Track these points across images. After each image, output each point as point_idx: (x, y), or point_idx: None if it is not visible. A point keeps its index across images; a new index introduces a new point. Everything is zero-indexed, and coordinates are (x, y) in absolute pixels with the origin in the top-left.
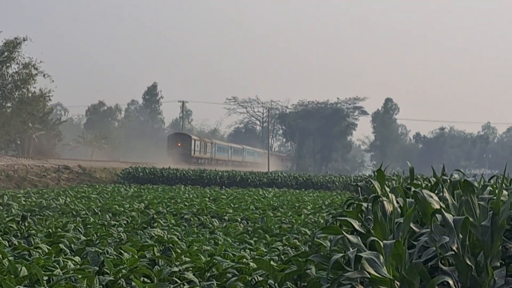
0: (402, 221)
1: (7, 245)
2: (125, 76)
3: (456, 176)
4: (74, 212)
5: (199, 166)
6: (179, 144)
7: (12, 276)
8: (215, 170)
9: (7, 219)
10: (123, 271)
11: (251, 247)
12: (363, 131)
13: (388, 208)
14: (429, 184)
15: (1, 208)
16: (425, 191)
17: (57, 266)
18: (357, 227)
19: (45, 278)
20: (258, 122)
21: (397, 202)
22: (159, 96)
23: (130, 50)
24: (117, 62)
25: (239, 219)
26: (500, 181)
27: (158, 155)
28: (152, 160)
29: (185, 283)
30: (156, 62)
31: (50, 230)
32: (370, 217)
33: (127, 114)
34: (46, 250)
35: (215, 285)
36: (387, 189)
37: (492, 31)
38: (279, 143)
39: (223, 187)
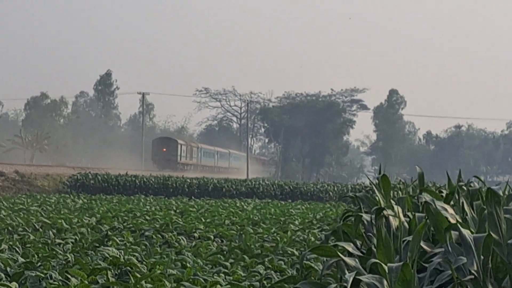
0: (410, 239)
1: None
2: (73, 62)
3: (475, 183)
4: (10, 228)
5: (184, 173)
6: (164, 150)
7: None
8: (182, 177)
9: None
10: None
11: (226, 270)
12: (362, 130)
13: (394, 223)
14: (443, 194)
15: None
16: (438, 202)
17: None
18: (352, 250)
19: None
20: (234, 119)
21: (405, 216)
22: (114, 87)
23: (80, 31)
24: (63, 46)
25: (212, 237)
26: None
27: (113, 159)
28: (106, 165)
29: None
30: (111, 45)
31: None
32: (371, 234)
33: (75, 109)
34: None
35: None
36: (392, 200)
37: None
38: (260, 144)
39: (192, 197)
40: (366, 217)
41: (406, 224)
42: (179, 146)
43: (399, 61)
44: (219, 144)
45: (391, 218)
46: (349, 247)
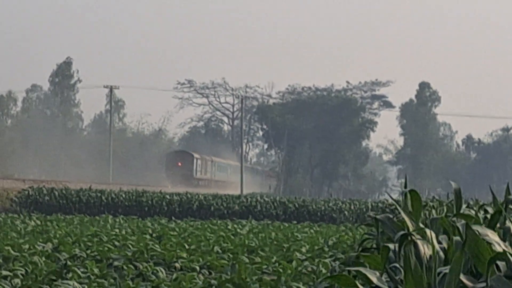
0: (447, 271)
1: None
2: (23, 48)
3: None
4: None
5: (198, 189)
6: (179, 164)
7: None
8: (160, 192)
9: None
10: None
11: None
12: (386, 133)
13: (425, 251)
14: (487, 215)
15: None
16: (478, 226)
17: None
18: (376, 282)
19: None
20: (225, 119)
21: (439, 243)
22: (75, 79)
23: (32, 10)
24: (11, 28)
25: (198, 268)
26: None
27: (73, 169)
28: (64, 177)
29: None
30: (71, 27)
31: None
32: (398, 265)
33: (25, 106)
34: None
35: None
36: (423, 223)
37: None
38: (257, 151)
39: (173, 218)
40: (391, 246)
41: (441, 252)
42: (194, 160)
43: (431, 47)
44: (206, 151)
45: (421, 244)
46: (373, 277)
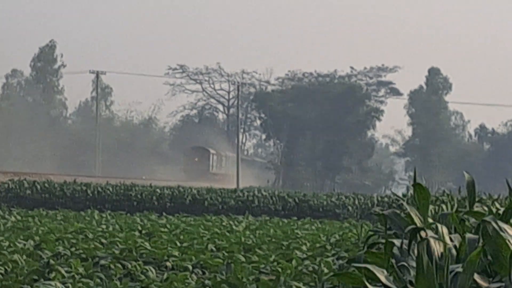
0: (459, 269)
1: None
2: (3, 30)
3: None
4: None
5: (215, 184)
6: (196, 159)
7: None
8: (150, 186)
9: None
10: None
11: None
12: (393, 123)
13: (437, 249)
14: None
15: None
16: (495, 222)
17: None
18: (384, 280)
19: None
20: (220, 107)
21: (451, 240)
22: (59, 64)
23: None
24: None
25: (190, 267)
26: None
27: (57, 161)
28: (47, 169)
29: None
30: (55, 8)
31: None
32: (406, 263)
33: (6, 93)
34: None
35: None
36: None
37: None
38: (255, 142)
39: (164, 213)
40: (397, 242)
41: (453, 250)
42: (211, 155)
43: (441, 30)
44: (199, 141)
45: (432, 241)
46: (382, 276)
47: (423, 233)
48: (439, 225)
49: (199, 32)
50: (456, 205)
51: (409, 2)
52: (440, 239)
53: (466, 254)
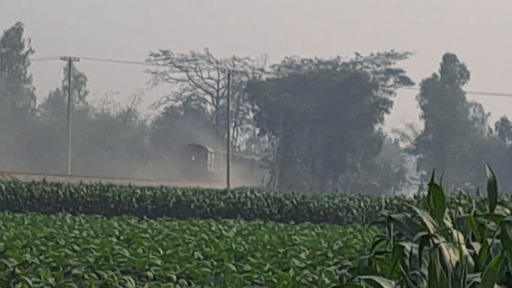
0: (477, 279)
1: None
2: None
3: None
4: None
5: (213, 184)
6: (193, 159)
7: None
8: (129, 186)
9: None
10: None
11: None
12: (403, 116)
13: (451, 256)
14: None
15: None
16: None
17: None
18: None
19: None
20: (209, 98)
21: (468, 247)
22: (26, 50)
23: None
24: None
25: (174, 277)
26: None
27: (24, 158)
28: (12, 167)
29: None
30: None
31: None
32: (418, 272)
33: None
34: None
35: None
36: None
37: None
38: (248, 137)
39: (145, 217)
40: (407, 246)
41: (470, 258)
42: (209, 154)
43: (457, 12)
44: (184, 135)
45: (446, 248)
46: (387, 286)
47: (436, 240)
48: (454, 231)
49: (185, 14)
50: (474, 207)
51: None
52: (455, 245)
53: (486, 263)
